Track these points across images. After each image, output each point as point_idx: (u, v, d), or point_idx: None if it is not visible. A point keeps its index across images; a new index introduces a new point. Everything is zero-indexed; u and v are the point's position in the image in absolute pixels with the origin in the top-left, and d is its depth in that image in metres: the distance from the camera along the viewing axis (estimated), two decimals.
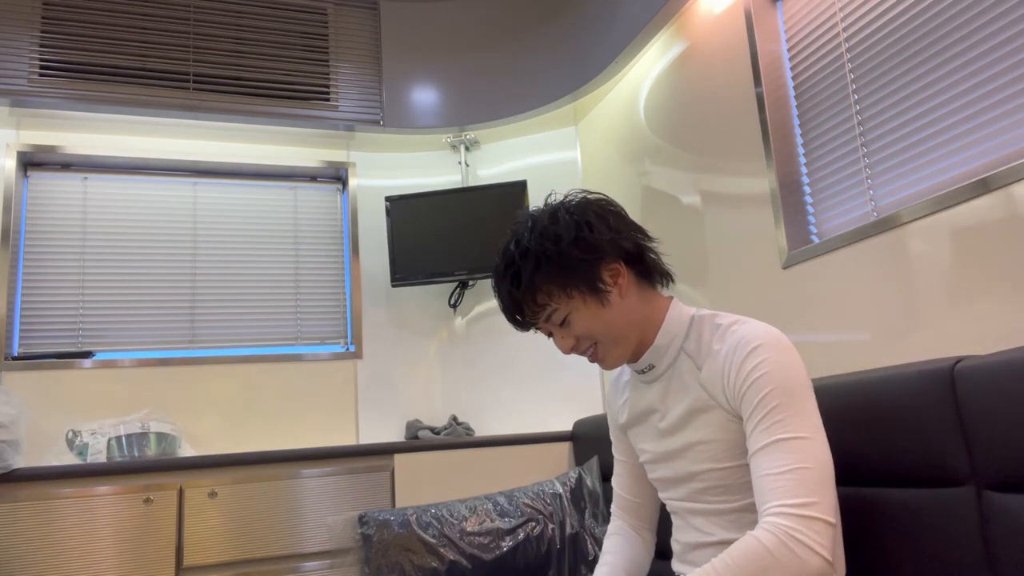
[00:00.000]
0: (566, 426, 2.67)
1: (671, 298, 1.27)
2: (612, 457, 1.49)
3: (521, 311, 1.22)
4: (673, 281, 1.28)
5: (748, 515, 1.17)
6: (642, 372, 1.28)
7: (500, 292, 1.24)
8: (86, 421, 2.55)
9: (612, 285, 1.20)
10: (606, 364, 1.25)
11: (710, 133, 2.33)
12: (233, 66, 2.94)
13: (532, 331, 1.28)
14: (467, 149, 3.30)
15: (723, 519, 1.20)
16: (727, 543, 1.15)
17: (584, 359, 1.32)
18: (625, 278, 1.21)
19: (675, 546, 1.33)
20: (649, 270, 1.25)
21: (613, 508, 1.49)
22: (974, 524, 1.10)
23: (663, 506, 1.39)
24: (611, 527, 1.47)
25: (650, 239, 1.26)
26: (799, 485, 1.01)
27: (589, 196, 1.25)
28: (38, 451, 2.51)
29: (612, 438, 1.47)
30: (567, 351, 1.23)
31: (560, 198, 1.26)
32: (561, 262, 1.18)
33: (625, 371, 1.39)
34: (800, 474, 1.02)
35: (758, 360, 1.09)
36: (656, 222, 2.65)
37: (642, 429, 1.33)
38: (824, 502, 1.01)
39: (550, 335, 1.26)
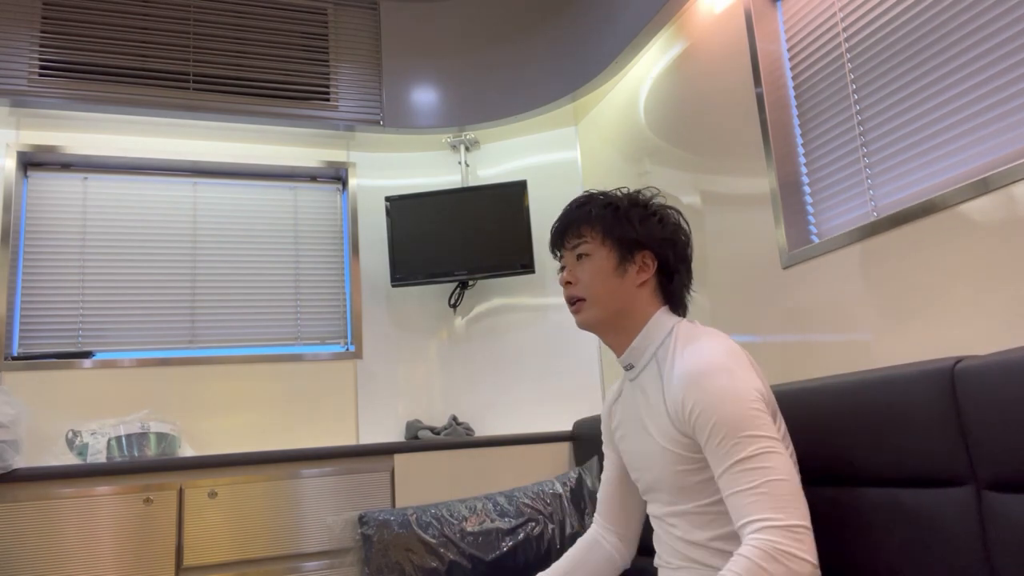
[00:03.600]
0: (566, 426, 2.67)
1: (664, 306, 1.36)
2: None
3: (566, 230, 1.38)
4: (685, 310, 1.41)
5: (705, 516, 1.24)
6: (627, 368, 1.38)
7: (562, 213, 1.41)
8: (86, 421, 2.55)
9: (635, 265, 1.34)
10: (578, 316, 1.37)
11: (710, 133, 2.33)
12: (233, 66, 2.94)
13: (555, 255, 1.43)
14: (467, 149, 3.30)
15: (687, 519, 1.27)
16: (693, 542, 1.24)
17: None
18: (648, 274, 1.35)
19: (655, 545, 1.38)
20: (672, 290, 1.38)
21: (596, 514, 1.54)
22: (974, 524, 1.10)
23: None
24: (586, 533, 1.53)
25: (690, 278, 1.41)
26: (774, 499, 1.07)
27: (681, 214, 1.43)
28: (38, 451, 2.51)
29: (603, 440, 1.54)
30: (563, 282, 1.38)
31: (661, 198, 1.44)
32: (619, 216, 1.35)
33: (623, 380, 1.48)
34: (772, 487, 1.08)
35: (696, 396, 1.17)
36: None
37: (627, 429, 1.41)
38: (800, 509, 1.07)
39: (562, 270, 1.40)
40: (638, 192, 1.41)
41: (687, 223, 1.42)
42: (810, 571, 1.04)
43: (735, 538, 1.20)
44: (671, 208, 1.41)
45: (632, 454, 1.38)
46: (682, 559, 1.27)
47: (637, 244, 1.34)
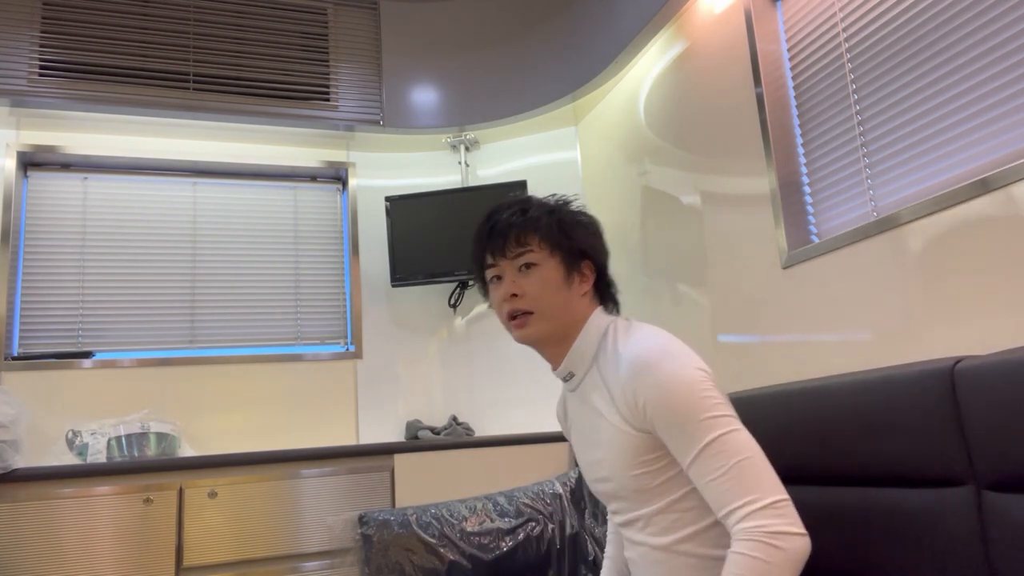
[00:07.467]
0: None
1: (598, 307, 1.32)
2: None
3: (506, 238, 1.26)
4: (618, 310, 1.36)
5: (667, 515, 1.19)
6: (565, 380, 1.33)
7: (496, 217, 1.29)
8: (86, 421, 2.55)
9: (579, 275, 1.29)
10: (523, 331, 1.27)
11: (710, 133, 2.33)
12: (233, 66, 2.94)
13: (487, 261, 1.29)
14: (467, 149, 3.30)
15: (652, 524, 1.22)
16: (658, 547, 1.20)
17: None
18: (589, 284, 1.31)
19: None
20: (604, 292, 1.34)
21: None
22: (974, 524, 1.10)
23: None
24: (610, 523, 1.51)
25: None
26: (746, 479, 1.06)
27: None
28: (38, 451, 2.51)
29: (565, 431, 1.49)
30: (505, 297, 1.26)
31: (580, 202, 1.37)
32: (564, 226, 1.28)
33: (563, 391, 1.45)
34: (741, 467, 1.07)
35: (645, 390, 1.14)
36: (656, 222, 2.65)
37: (578, 439, 1.36)
38: (773, 483, 1.06)
39: (491, 280, 1.30)
40: (564, 198, 1.34)
41: None
42: (802, 543, 1.03)
43: (699, 538, 1.17)
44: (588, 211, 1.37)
45: (587, 465, 1.33)
46: (650, 563, 1.22)
47: (582, 254, 1.29)
